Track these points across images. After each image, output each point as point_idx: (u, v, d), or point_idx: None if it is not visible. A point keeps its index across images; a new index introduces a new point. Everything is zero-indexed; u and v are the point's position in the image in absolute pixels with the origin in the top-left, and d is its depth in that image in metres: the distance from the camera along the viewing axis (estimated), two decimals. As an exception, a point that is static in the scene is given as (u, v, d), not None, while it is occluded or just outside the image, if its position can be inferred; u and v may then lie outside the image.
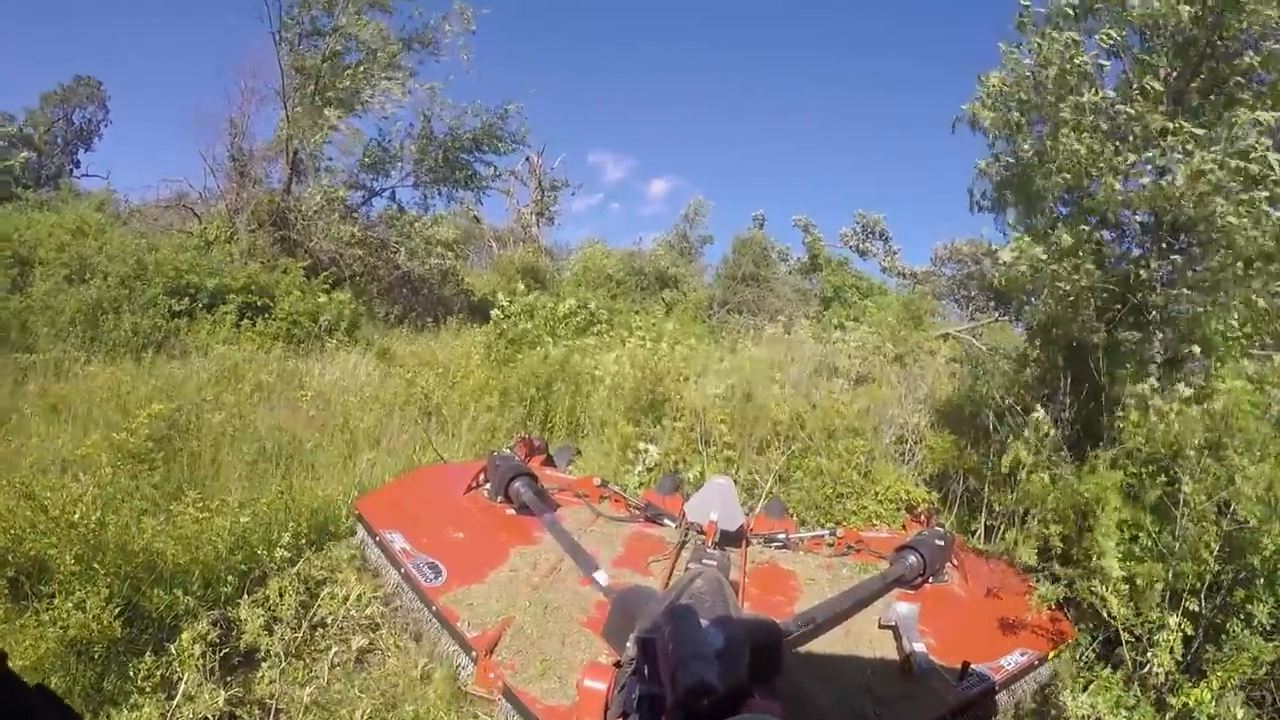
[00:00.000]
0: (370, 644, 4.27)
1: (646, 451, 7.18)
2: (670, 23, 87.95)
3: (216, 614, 4.00)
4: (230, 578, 4.36)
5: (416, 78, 16.62)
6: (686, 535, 5.18)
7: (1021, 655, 4.09)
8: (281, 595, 4.20)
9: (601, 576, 4.24)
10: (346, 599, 4.44)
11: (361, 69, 15.82)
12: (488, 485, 5.43)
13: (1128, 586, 3.88)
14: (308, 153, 16.07)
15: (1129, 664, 3.83)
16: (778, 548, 5.50)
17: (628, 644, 2.74)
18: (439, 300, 17.16)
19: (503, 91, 16.54)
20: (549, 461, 6.51)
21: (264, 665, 3.80)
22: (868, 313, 20.17)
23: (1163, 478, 4.22)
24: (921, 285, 25.57)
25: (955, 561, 5.07)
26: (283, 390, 7.85)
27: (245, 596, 4.17)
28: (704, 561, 4.21)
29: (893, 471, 7.00)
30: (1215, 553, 3.83)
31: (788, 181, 74.41)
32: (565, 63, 75.86)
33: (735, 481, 6.03)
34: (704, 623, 2.62)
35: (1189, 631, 3.70)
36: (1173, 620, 3.67)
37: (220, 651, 3.74)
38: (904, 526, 5.99)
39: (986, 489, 6.24)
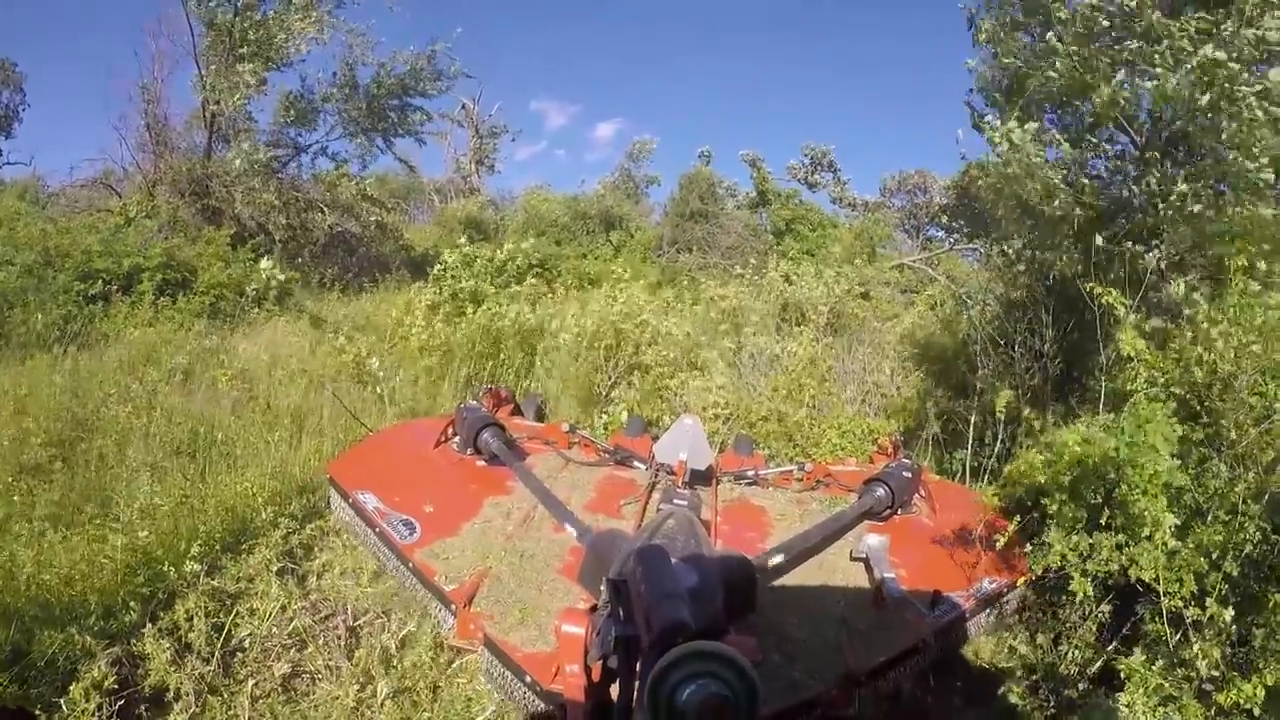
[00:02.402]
0: (296, 667, 3.80)
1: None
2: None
3: (118, 650, 3.51)
4: (133, 604, 3.86)
5: (335, 16, 15.55)
6: (656, 476, 5.20)
7: (990, 582, 4.12)
8: (190, 619, 3.74)
9: (572, 527, 4.14)
10: (267, 614, 4.00)
11: (275, 15, 14.77)
12: (457, 439, 5.35)
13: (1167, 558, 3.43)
14: (226, 115, 15.12)
15: (1168, 648, 3.39)
16: (747, 484, 5.50)
17: (602, 587, 2.70)
18: (377, 259, 16.51)
19: (434, 36, 15.62)
20: (517, 411, 6.41)
21: (174, 709, 3.36)
22: (821, 245, 20.00)
23: (1203, 419, 3.82)
24: (874, 214, 25.55)
25: (923, 492, 5.06)
26: (201, 372, 7.27)
27: (150, 625, 3.69)
28: (675, 501, 4.29)
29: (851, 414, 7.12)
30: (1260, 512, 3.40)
31: (734, 120, 72.59)
32: (501, 7, 73.61)
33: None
34: (676, 562, 2.59)
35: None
36: (1219, 609, 3.23)
37: (120, 699, 3.29)
38: (870, 459, 5.95)
39: (970, 428, 6.16)
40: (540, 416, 6.76)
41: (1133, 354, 4.02)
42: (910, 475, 4.95)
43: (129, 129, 15.24)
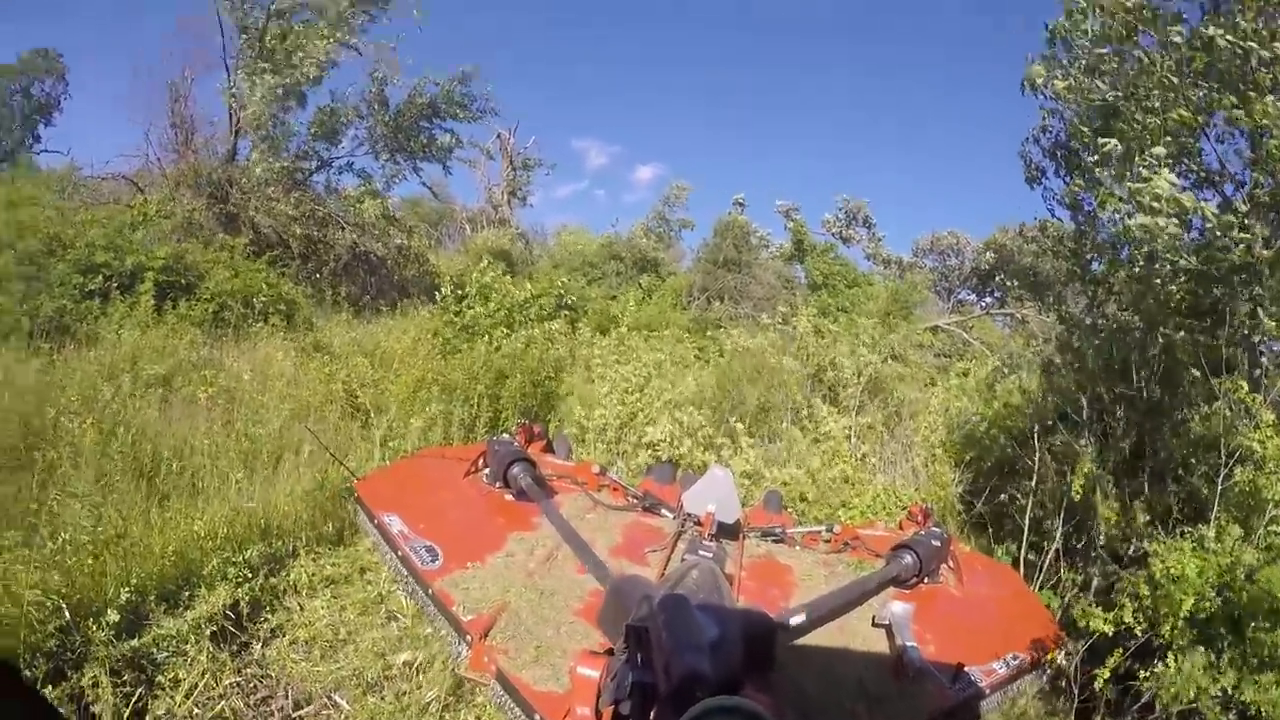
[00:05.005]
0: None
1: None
2: (656, 9, 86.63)
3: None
4: (38, 658, 3.27)
5: (367, 36, 15.48)
6: (684, 526, 5.04)
7: (1013, 659, 3.99)
8: (96, 687, 3.15)
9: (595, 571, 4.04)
10: (193, 690, 3.38)
11: (302, 29, 14.62)
12: (487, 470, 5.17)
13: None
14: (252, 120, 14.85)
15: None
16: (774, 542, 5.36)
17: (621, 633, 2.68)
18: (398, 282, 16.08)
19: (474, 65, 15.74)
20: (548, 448, 6.17)
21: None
22: (856, 302, 19.65)
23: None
24: (909, 274, 25.27)
25: (951, 563, 4.90)
26: (183, 385, 6.69)
27: (51, 687, 3.12)
28: (700, 553, 4.29)
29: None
30: None
31: (770, 171, 75.18)
32: (549, 49, 75.04)
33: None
34: (699, 613, 2.60)
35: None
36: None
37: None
38: (900, 526, 5.63)
39: (1026, 515, 5.63)
40: (569, 456, 6.52)
41: (1269, 456, 3.45)
42: (939, 544, 4.78)
43: (155, 127, 14.98)
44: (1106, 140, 4.93)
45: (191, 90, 15.16)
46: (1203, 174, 5.18)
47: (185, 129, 14.89)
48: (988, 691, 3.83)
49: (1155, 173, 4.54)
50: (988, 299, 24.35)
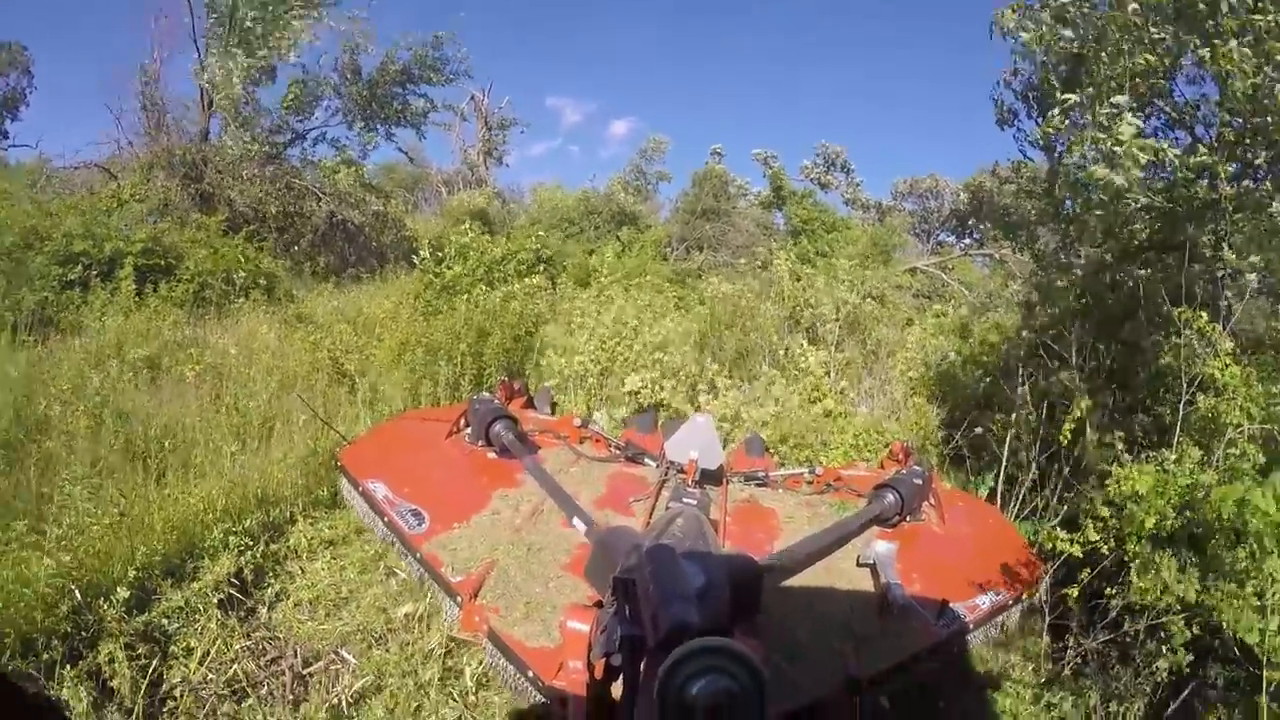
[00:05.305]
0: (232, 721, 3.31)
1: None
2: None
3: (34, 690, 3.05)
4: (55, 640, 3.37)
5: (339, 7, 15.28)
6: (667, 474, 5.12)
7: (995, 595, 4.07)
8: (113, 663, 3.26)
9: (581, 523, 4.01)
10: (205, 656, 3.50)
11: (266, 7, 14.38)
12: (469, 430, 5.23)
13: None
14: (225, 101, 14.66)
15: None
16: (757, 485, 5.45)
17: (609, 584, 2.61)
18: (377, 249, 16.05)
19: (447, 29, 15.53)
20: (529, 404, 6.26)
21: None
22: (835, 247, 19.71)
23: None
24: (889, 219, 25.30)
25: (933, 500, 4.99)
26: (170, 366, 6.76)
27: (69, 666, 3.22)
28: (684, 500, 4.22)
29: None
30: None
31: (747, 120, 74.58)
32: (518, 5, 73.74)
33: None
34: (684, 562, 2.53)
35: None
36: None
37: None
38: (881, 465, 5.79)
39: (1005, 447, 5.74)
40: (553, 410, 6.61)
41: (1227, 383, 3.55)
42: (921, 482, 4.85)
43: (127, 111, 14.81)
44: (1067, 96, 4.99)
45: (161, 72, 14.97)
46: (1174, 115, 5.26)
47: (157, 111, 14.69)
48: (972, 627, 3.90)
49: (1116, 120, 4.61)
50: (966, 240, 24.39)
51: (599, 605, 2.71)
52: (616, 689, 2.35)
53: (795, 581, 3.79)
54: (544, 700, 3.21)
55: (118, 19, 41.73)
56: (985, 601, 4.01)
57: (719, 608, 2.42)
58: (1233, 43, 4.40)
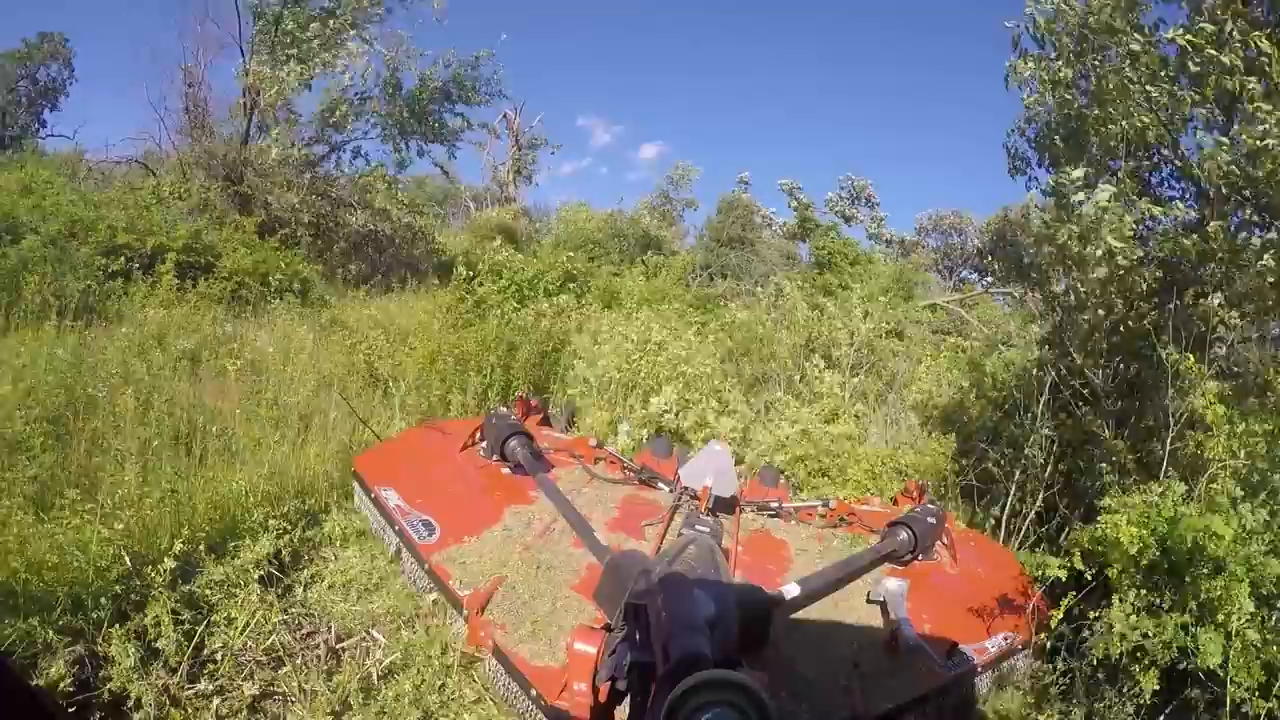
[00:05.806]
0: (269, 687, 3.49)
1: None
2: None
3: (81, 649, 3.25)
4: (103, 600, 3.55)
5: (384, 25, 15.59)
6: (680, 499, 5.14)
7: (1004, 639, 4.06)
8: (159, 625, 3.45)
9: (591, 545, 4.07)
10: (244, 626, 3.69)
11: (326, 21, 14.66)
12: (484, 443, 5.35)
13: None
14: (266, 106, 15.01)
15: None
16: (770, 516, 5.44)
17: (618, 608, 2.74)
18: (407, 260, 16.28)
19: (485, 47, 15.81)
20: (545, 421, 6.32)
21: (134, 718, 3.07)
22: (858, 281, 19.84)
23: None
24: (913, 254, 25.41)
25: (946, 540, 5.00)
26: (210, 359, 7.01)
27: (118, 625, 3.38)
28: (697, 528, 4.29)
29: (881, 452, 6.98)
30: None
31: (774, 150, 75.22)
32: (553, 26, 74.65)
33: None
34: (696, 590, 2.62)
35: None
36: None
37: (80, 699, 3.02)
38: (895, 501, 5.80)
39: (1012, 481, 5.84)
40: (572, 421, 6.80)
41: (1212, 421, 3.71)
42: (935, 521, 4.84)
43: (169, 110, 15.18)
44: (1064, 171, 5.19)
45: (204, 74, 15.39)
46: (1180, 166, 5.44)
47: (200, 111, 15.07)
48: (980, 670, 3.91)
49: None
50: (989, 278, 24.47)
51: (606, 629, 2.79)
52: (619, 713, 2.50)
53: (804, 615, 3.87)
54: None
55: (155, 19, 42.65)
56: (994, 645, 4.01)
57: (729, 638, 2.51)
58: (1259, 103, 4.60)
